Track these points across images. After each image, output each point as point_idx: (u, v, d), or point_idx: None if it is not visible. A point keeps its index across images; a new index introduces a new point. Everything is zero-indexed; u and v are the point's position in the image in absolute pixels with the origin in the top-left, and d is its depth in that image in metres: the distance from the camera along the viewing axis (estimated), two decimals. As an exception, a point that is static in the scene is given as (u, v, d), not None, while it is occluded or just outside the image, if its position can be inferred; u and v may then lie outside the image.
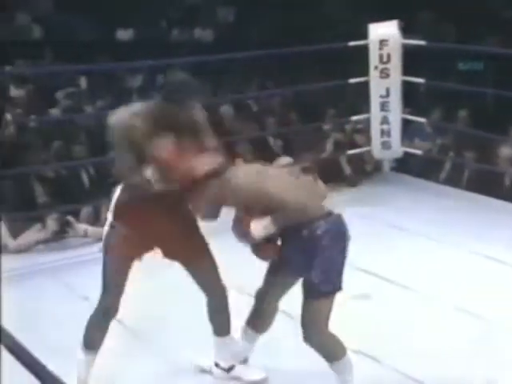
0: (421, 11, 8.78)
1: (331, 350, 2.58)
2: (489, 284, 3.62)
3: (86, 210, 4.59)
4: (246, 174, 2.60)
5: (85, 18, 11.26)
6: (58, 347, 2.92)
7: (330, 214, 2.53)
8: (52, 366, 1.41)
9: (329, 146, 5.54)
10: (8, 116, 7.03)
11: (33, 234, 4.31)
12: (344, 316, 3.25)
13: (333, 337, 2.57)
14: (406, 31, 5.01)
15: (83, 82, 9.15)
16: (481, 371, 2.84)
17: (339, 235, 2.52)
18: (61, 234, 4.31)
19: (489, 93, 6.57)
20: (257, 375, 2.85)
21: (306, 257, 2.46)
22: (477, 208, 4.71)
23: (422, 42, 5.16)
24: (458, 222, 4.45)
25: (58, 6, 11.80)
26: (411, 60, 4.99)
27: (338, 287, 2.53)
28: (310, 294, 2.50)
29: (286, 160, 5.43)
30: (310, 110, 7.04)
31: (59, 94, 8.07)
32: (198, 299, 2.78)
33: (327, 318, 2.53)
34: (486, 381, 2.77)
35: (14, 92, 8.36)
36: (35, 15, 11.83)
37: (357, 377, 2.76)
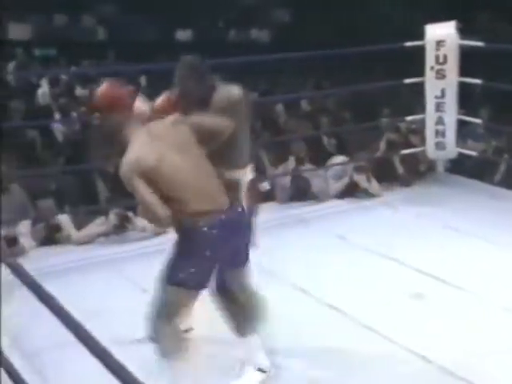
0: (480, 12, 8.66)
1: (163, 343, 2.58)
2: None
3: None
4: None
5: (146, 20, 11.54)
6: (120, 338, 3.07)
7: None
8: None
9: (382, 146, 5.56)
10: (73, 114, 7.31)
11: (95, 227, 4.48)
12: (397, 314, 3.32)
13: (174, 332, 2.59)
14: (464, 32, 4.98)
15: (143, 80, 9.40)
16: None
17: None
18: (121, 228, 4.46)
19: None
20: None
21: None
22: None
23: (479, 43, 5.11)
24: (512, 223, 4.42)
25: (121, 9, 12.13)
26: (468, 61, 4.96)
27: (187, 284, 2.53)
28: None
29: (339, 159, 5.53)
30: (364, 110, 7.06)
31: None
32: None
33: (175, 310, 2.57)
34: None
35: (80, 91, 8.67)
36: (100, 17, 12.20)
37: (407, 375, 2.81)
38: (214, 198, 2.53)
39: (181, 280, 2.54)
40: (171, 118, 2.62)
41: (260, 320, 2.76)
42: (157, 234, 4.46)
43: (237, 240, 2.61)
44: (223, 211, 2.52)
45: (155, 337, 2.58)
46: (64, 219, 4.48)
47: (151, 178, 2.41)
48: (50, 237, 4.42)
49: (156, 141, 2.48)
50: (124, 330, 3.13)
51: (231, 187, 2.71)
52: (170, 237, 4.33)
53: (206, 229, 2.47)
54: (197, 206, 2.48)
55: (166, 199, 2.46)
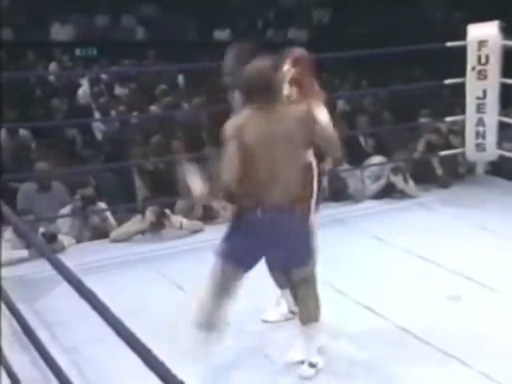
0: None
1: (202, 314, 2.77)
2: None
3: (181, 203, 4.78)
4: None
5: (185, 20, 11.62)
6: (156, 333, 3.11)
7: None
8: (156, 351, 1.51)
9: (420, 146, 5.50)
10: (113, 113, 7.41)
11: (132, 225, 4.53)
12: (434, 316, 3.29)
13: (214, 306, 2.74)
14: (507, 32, 4.90)
15: (181, 80, 9.48)
16: None
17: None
18: (158, 226, 4.49)
19: None
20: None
21: None
22: None
23: (522, 43, 5.02)
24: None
25: (162, 9, 12.24)
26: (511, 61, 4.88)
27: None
28: None
29: (377, 159, 5.48)
30: (404, 110, 6.99)
31: (157, 92, 8.39)
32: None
33: (215, 283, 2.74)
34: None
35: (119, 90, 8.79)
36: (140, 17, 12.33)
37: (444, 377, 2.78)
38: (283, 192, 2.60)
39: (220, 252, 2.73)
40: (301, 106, 2.67)
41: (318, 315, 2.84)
42: (193, 232, 4.51)
43: (283, 238, 2.67)
44: (281, 207, 2.60)
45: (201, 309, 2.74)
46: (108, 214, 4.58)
47: (242, 147, 2.55)
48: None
49: (266, 118, 2.59)
50: (160, 327, 3.16)
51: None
52: (206, 236, 4.47)
53: (257, 214, 2.60)
54: (262, 193, 2.59)
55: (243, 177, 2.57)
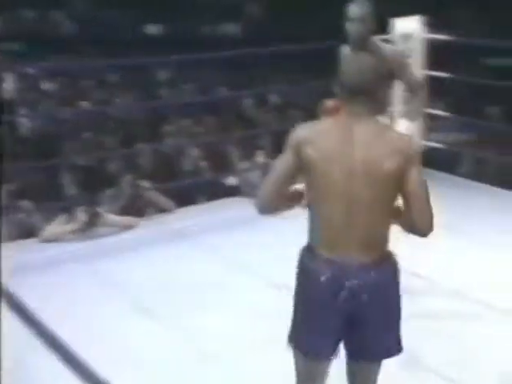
0: (452, 5, 8.74)
1: None
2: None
3: (112, 201, 4.70)
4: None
5: (117, 15, 11.45)
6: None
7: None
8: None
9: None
10: (41, 109, 7.22)
11: (64, 224, 4.42)
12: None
13: None
14: (435, 26, 5.01)
15: (114, 75, 9.33)
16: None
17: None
18: (90, 225, 4.41)
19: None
20: None
21: None
22: (501, 203, 4.72)
23: (446, 37, 5.16)
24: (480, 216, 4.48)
25: (93, 3, 12.01)
26: (443, 56, 4.98)
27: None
28: None
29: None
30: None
31: (89, 87, 8.25)
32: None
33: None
34: None
35: (47, 85, 8.57)
36: (70, 12, 12.06)
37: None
38: (355, 246, 1.86)
39: (293, 340, 2.01)
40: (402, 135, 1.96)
41: None
42: (126, 229, 4.45)
43: (362, 312, 1.88)
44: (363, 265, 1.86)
45: None
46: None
47: (302, 164, 1.90)
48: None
49: (344, 136, 1.86)
50: (94, 327, 3.11)
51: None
52: (140, 231, 4.42)
53: (323, 276, 1.87)
54: (325, 240, 1.89)
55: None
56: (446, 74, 5.23)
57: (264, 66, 9.16)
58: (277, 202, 1.96)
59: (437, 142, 5.59)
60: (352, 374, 2.02)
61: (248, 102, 7.43)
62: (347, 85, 1.88)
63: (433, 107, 5.43)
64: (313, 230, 1.93)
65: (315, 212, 1.90)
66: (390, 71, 2.99)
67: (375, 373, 2.00)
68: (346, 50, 3.26)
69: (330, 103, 3.04)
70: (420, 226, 1.87)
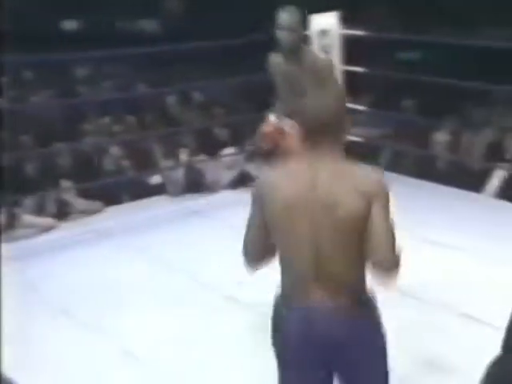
0: (365, 1, 8.97)
1: None
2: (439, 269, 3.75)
3: (31, 202, 4.59)
4: None
5: (31, 9, 11.10)
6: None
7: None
8: None
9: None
10: None
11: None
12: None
13: None
14: (349, 22, 5.12)
15: (29, 72, 9.05)
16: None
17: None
18: (7, 227, 4.29)
19: (428, 81, 6.79)
20: None
21: None
22: (417, 192, 4.89)
23: (360, 32, 5.29)
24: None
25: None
26: (359, 50, 5.10)
27: None
28: None
29: (231, 149, 5.56)
30: (257, 100, 7.12)
31: (2, 84, 7.95)
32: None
33: None
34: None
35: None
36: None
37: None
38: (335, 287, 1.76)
39: None
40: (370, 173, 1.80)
41: None
42: (45, 230, 4.36)
43: (341, 367, 1.78)
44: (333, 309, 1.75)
45: None
46: None
47: (267, 218, 1.82)
48: None
49: (296, 176, 1.78)
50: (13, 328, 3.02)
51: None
52: (59, 233, 4.32)
53: (291, 317, 1.78)
54: (297, 291, 1.78)
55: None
56: (363, 69, 5.36)
57: (185, 63, 9.10)
58: (263, 256, 1.87)
59: (357, 136, 5.73)
60: None
61: (170, 100, 7.37)
62: (314, 123, 1.76)
63: (353, 102, 5.56)
64: (284, 282, 1.83)
65: (284, 263, 1.81)
66: (320, 78, 3.00)
67: None
68: (277, 59, 3.25)
69: (268, 128, 2.98)
70: (383, 266, 1.74)
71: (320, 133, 1.76)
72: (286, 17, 3.12)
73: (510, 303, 3.30)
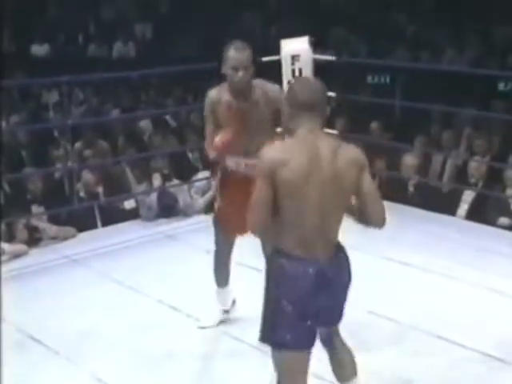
0: (333, 27, 9.11)
1: None
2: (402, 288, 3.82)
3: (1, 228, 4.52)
4: None
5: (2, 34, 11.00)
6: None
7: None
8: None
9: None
10: None
11: None
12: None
13: None
14: (319, 47, 5.19)
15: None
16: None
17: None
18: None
19: (396, 104, 6.90)
20: None
21: None
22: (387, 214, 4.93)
23: (331, 57, 5.37)
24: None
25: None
26: (324, 74, 5.17)
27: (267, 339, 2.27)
28: None
29: (204, 173, 5.55)
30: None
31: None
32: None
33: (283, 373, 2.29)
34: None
35: None
36: None
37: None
38: (321, 244, 2.17)
39: (273, 338, 2.23)
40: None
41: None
42: (16, 257, 4.30)
43: (328, 296, 2.22)
44: (319, 261, 2.17)
45: None
46: None
47: (277, 184, 2.11)
48: None
49: (300, 146, 2.12)
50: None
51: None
52: (30, 259, 4.26)
53: (308, 269, 2.15)
54: (295, 241, 2.15)
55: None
56: (333, 93, 5.44)
57: (157, 88, 9.12)
58: (267, 224, 2.15)
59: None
60: (333, 358, 2.41)
61: (143, 124, 7.37)
62: (304, 103, 2.12)
63: (328, 127, 5.61)
64: (286, 238, 2.17)
65: (289, 223, 2.14)
66: (276, 111, 2.93)
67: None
68: (219, 94, 3.05)
69: (218, 142, 2.99)
70: (376, 221, 2.20)
71: (309, 111, 2.12)
72: (237, 56, 2.92)
73: (479, 324, 3.40)
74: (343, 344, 2.42)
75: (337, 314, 2.31)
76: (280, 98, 2.92)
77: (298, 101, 2.14)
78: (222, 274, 3.34)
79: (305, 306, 2.16)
